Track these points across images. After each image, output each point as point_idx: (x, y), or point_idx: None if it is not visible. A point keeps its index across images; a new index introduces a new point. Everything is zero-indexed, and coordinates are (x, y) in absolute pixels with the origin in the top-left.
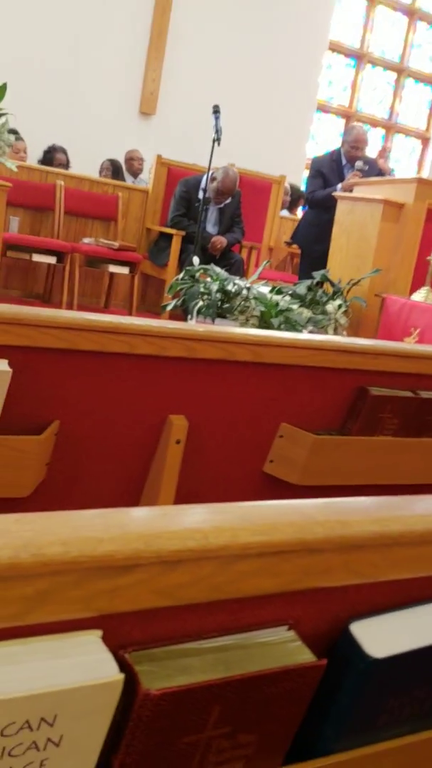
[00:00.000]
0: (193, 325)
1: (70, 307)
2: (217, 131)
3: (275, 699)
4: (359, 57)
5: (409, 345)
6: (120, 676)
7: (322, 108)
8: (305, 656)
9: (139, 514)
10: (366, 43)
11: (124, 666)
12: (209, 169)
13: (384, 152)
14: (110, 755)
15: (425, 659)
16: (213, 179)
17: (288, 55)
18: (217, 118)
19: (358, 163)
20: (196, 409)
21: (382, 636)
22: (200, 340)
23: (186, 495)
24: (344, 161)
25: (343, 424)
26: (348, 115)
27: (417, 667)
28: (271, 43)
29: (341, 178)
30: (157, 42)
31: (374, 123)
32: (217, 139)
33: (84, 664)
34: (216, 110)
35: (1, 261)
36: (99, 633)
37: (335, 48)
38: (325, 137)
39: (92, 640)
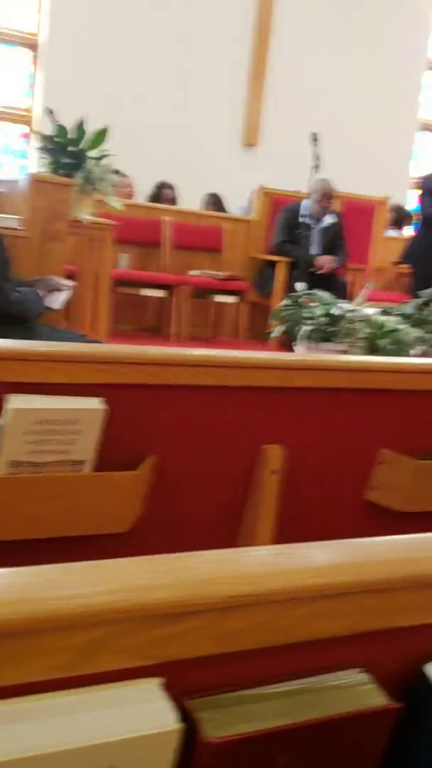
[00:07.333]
0: (284, 355)
1: (179, 337)
2: (317, 158)
3: (347, 746)
4: None
5: None
6: (177, 725)
7: (426, 127)
8: (379, 700)
9: (188, 560)
10: None
11: (185, 714)
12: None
13: None
14: None
15: None
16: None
17: (387, 77)
18: (315, 146)
19: None
20: (292, 438)
21: None
22: (291, 369)
23: (286, 525)
24: None
25: None
26: None
27: None
28: (369, 66)
29: None
30: (258, 72)
31: None
32: (316, 167)
33: (142, 712)
34: (314, 138)
35: (112, 297)
36: (158, 681)
37: None
38: (429, 157)
39: (151, 688)
